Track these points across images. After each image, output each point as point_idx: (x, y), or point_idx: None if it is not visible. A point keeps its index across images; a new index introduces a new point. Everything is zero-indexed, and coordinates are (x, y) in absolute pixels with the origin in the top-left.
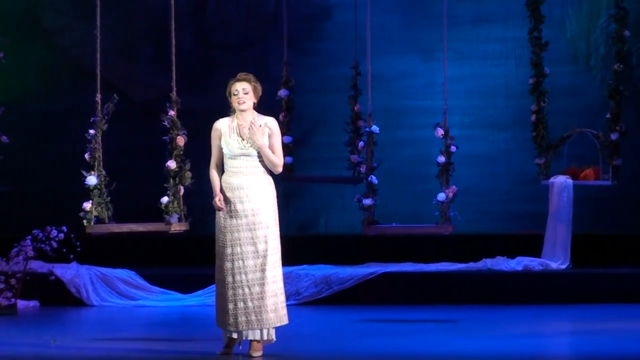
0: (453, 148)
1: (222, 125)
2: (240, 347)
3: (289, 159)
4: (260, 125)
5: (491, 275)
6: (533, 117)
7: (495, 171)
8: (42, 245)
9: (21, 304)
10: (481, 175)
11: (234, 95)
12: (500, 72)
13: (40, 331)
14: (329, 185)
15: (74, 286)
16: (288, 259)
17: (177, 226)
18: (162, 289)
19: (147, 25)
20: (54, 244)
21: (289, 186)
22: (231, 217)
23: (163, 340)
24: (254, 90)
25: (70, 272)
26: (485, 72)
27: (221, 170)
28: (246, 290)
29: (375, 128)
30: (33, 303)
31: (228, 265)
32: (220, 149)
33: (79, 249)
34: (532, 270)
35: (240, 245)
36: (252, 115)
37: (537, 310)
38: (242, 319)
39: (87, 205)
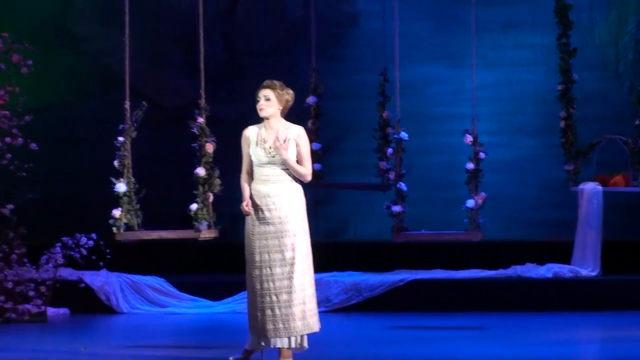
0: (482, 155)
1: (250, 133)
2: (262, 355)
3: (318, 166)
4: (285, 140)
5: (521, 282)
6: (562, 124)
7: (525, 178)
8: (72, 253)
9: (51, 311)
10: (510, 182)
11: (257, 101)
12: (529, 79)
13: (70, 339)
14: (358, 192)
15: (104, 293)
16: (318, 265)
17: (206, 233)
18: (191, 296)
19: (175, 32)
20: (84, 252)
21: (318, 193)
22: (259, 224)
23: (192, 348)
24: (278, 97)
25: (99, 280)
26: (513, 79)
27: (252, 177)
28: (273, 297)
29: (404, 135)
30: (63, 310)
31: (257, 272)
32: (250, 157)
33: (109, 256)
34: (562, 277)
35: (268, 253)
36: (279, 123)
37: (566, 317)
38: (270, 326)
39: (117, 213)
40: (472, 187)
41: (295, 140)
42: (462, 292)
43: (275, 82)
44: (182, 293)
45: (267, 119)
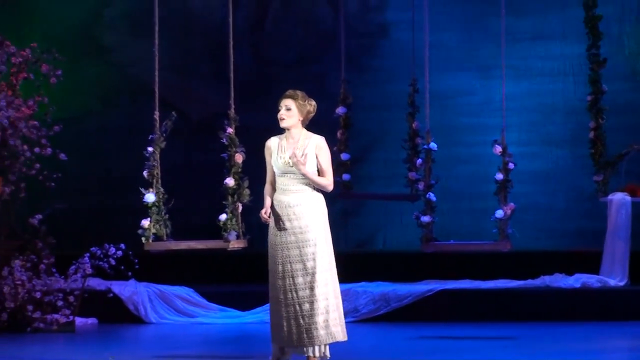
0: (511, 165)
1: (272, 143)
2: None
3: (347, 176)
4: (302, 154)
5: (549, 292)
6: (591, 134)
7: (553, 188)
8: (100, 263)
9: (79, 321)
10: (539, 192)
11: (278, 110)
12: (558, 89)
13: (98, 348)
14: (387, 203)
15: (132, 303)
16: (346, 275)
17: (235, 243)
18: (220, 306)
19: (204, 42)
20: (112, 262)
21: (347, 203)
22: (281, 234)
23: (221, 358)
24: (299, 107)
25: (128, 290)
26: (543, 89)
27: (275, 187)
28: (297, 307)
29: (433, 145)
30: (91, 320)
31: (280, 282)
32: (272, 167)
33: (137, 267)
34: (590, 287)
35: (290, 263)
36: (299, 133)
37: (595, 327)
38: (294, 337)
39: (146, 223)
40: (501, 198)
41: (315, 151)
42: (491, 302)
43: (298, 92)
44: (210, 303)
45: (287, 129)
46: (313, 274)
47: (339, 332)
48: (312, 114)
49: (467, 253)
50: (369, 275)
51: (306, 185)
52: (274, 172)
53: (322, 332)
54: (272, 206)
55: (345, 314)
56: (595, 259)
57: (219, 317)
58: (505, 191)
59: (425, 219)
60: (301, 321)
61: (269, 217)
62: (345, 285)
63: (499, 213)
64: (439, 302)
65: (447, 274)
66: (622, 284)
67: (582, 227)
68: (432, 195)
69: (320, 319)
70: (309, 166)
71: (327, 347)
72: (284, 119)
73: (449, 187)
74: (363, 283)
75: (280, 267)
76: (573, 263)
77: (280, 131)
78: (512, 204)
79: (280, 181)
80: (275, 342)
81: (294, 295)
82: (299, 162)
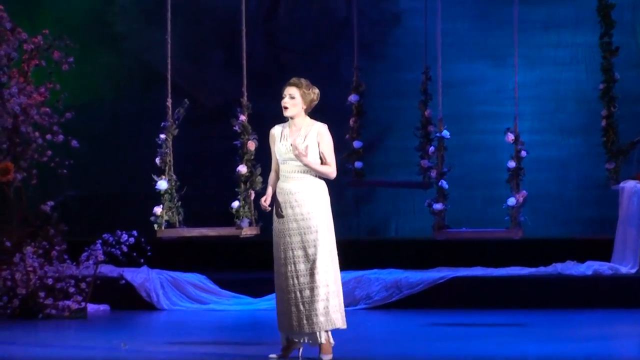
0: (523, 153)
1: (275, 131)
2: (301, 353)
3: (360, 164)
4: (304, 143)
5: (561, 279)
6: (603, 123)
7: (565, 176)
8: (113, 250)
9: (91, 307)
10: (551, 180)
11: (282, 98)
12: (571, 78)
13: (110, 335)
14: (399, 190)
15: (145, 290)
16: (359, 263)
17: (247, 230)
18: (232, 293)
19: (217, 30)
20: (124, 248)
21: (360, 191)
22: (283, 221)
23: (233, 345)
24: (303, 96)
25: (140, 276)
26: (555, 78)
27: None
28: (298, 294)
29: (445, 133)
30: (103, 307)
31: (282, 269)
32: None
33: (149, 253)
34: (602, 275)
35: (292, 250)
36: (302, 121)
37: (606, 314)
38: (295, 322)
39: (158, 210)
40: (513, 185)
41: (317, 139)
42: (503, 290)
43: (302, 80)
44: (222, 290)
45: (291, 118)
46: (314, 261)
47: (339, 319)
48: (316, 102)
49: (479, 240)
50: (381, 262)
51: (308, 172)
52: (277, 160)
53: (322, 318)
54: (275, 194)
55: (358, 301)
56: (606, 246)
57: (231, 304)
58: (518, 179)
59: (438, 206)
60: (301, 307)
61: (269, 205)
62: (358, 272)
63: (511, 201)
64: (451, 290)
65: (459, 262)
66: (633, 271)
67: (593, 215)
68: (444, 183)
69: (320, 306)
70: (311, 154)
71: (330, 333)
72: (287, 107)
73: (461, 174)
74: (375, 270)
75: (282, 254)
76: (585, 250)
77: (285, 119)
78: (524, 191)
79: (282, 168)
80: (280, 330)
81: (295, 281)
82: (300, 153)
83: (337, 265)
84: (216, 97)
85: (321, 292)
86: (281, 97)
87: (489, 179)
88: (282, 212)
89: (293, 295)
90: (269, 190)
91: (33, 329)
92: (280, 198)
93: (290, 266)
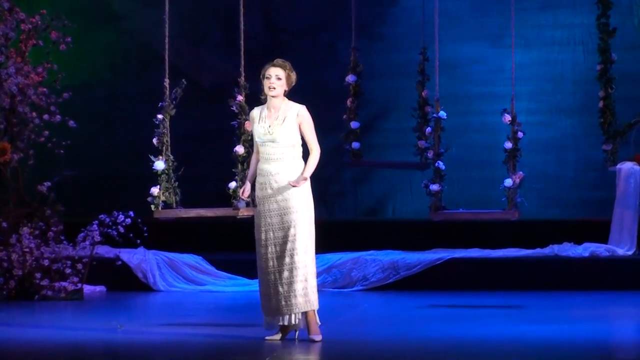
0: (520, 134)
1: (254, 113)
2: (297, 335)
3: (357, 145)
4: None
5: (558, 261)
6: (600, 104)
7: (562, 157)
8: (109, 230)
9: (87, 289)
10: (548, 162)
11: (267, 79)
12: (568, 59)
13: (106, 316)
14: (396, 171)
15: (141, 271)
16: (356, 244)
17: (244, 211)
18: (229, 274)
19: (215, 10)
20: (121, 229)
21: (357, 171)
22: (264, 202)
23: (229, 326)
24: (287, 78)
25: (137, 257)
26: (552, 59)
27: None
28: (277, 275)
29: (442, 114)
30: (99, 288)
31: (262, 250)
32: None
33: (146, 234)
34: (599, 256)
35: (273, 231)
36: (281, 102)
37: (603, 295)
38: (274, 304)
39: (155, 190)
40: (510, 167)
41: (298, 121)
42: (500, 271)
43: (286, 62)
44: (219, 271)
45: (274, 97)
46: (293, 241)
47: (316, 300)
48: (294, 85)
49: (476, 222)
50: (378, 243)
51: (288, 153)
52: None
53: (300, 299)
54: (255, 177)
55: (355, 283)
56: (603, 228)
57: (228, 285)
58: (514, 160)
59: (435, 187)
60: (280, 289)
61: (248, 198)
62: (354, 253)
63: (508, 182)
64: (448, 271)
65: (456, 243)
66: (630, 252)
67: (590, 196)
68: (441, 164)
69: (299, 287)
70: (289, 132)
71: (316, 313)
72: (274, 88)
73: (458, 155)
74: (372, 251)
75: (263, 235)
76: (582, 232)
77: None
78: (521, 172)
79: (262, 150)
80: (264, 313)
81: (275, 262)
82: (298, 183)
83: (314, 246)
84: (213, 77)
85: (300, 273)
86: (260, 78)
87: (486, 160)
88: (266, 192)
89: (272, 277)
90: (248, 185)
91: (29, 310)
92: (260, 179)
93: (271, 247)
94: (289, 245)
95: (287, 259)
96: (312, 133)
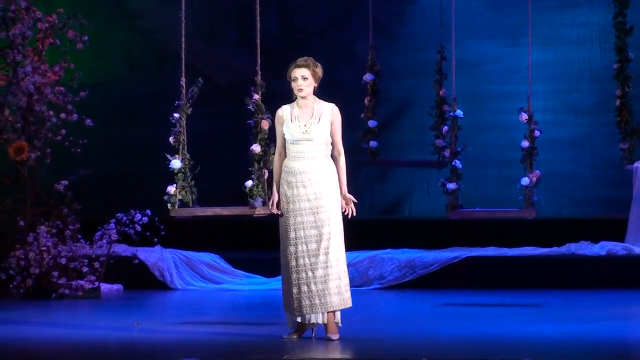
0: (537, 133)
1: (284, 112)
2: (314, 333)
3: (374, 143)
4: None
5: (574, 259)
6: (617, 102)
7: (579, 156)
8: (126, 229)
9: (105, 287)
10: (565, 160)
11: (293, 81)
12: (585, 57)
13: (123, 315)
14: (413, 169)
15: (158, 270)
16: (372, 242)
17: (261, 210)
18: (246, 273)
19: (231, 8)
20: (138, 228)
21: (374, 170)
22: (294, 201)
23: (246, 324)
24: (314, 75)
25: (154, 256)
26: (569, 57)
27: (284, 156)
28: (309, 273)
29: (459, 112)
30: (116, 286)
31: (292, 249)
32: (283, 135)
33: (163, 233)
34: (616, 255)
35: (304, 229)
36: (313, 101)
37: (620, 294)
38: (306, 302)
39: (172, 189)
40: (526, 165)
41: (331, 118)
42: (516, 270)
43: (309, 59)
44: (236, 269)
45: (304, 98)
46: (328, 240)
47: (349, 298)
48: (321, 77)
49: (493, 220)
50: (395, 241)
51: (320, 152)
52: (283, 142)
53: (335, 297)
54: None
55: (371, 281)
56: (620, 226)
57: (245, 284)
58: (531, 159)
59: (451, 186)
60: (313, 287)
61: (278, 210)
62: (371, 252)
63: (525, 180)
64: (464, 270)
65: (472, 241)
66: None
67: (607, 195)
68: (458, 163)
69: (333, 285)
70: (325, 130)
71: (339, 314)
72: (302, 89)
73: (475, 154)
74: (389, 250)
75: (292, 234)
76: (598, 231)
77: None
78: (537, 171)
79: (294, 148)
80: (287, 311)
81: (307, 261)
82: (348, 208)
83: (344, 244)
84: (230, 75)
85: (334, 271)
86: (288, 80)
87: (503, 158)
88: (297, 191)
89: (304, 275)
90: (275, 196)
91: (46, 308)
92: (289, 178)
93: (302, 246)
94: (323, 244)
95: (322, 257)
96: (340, 134)
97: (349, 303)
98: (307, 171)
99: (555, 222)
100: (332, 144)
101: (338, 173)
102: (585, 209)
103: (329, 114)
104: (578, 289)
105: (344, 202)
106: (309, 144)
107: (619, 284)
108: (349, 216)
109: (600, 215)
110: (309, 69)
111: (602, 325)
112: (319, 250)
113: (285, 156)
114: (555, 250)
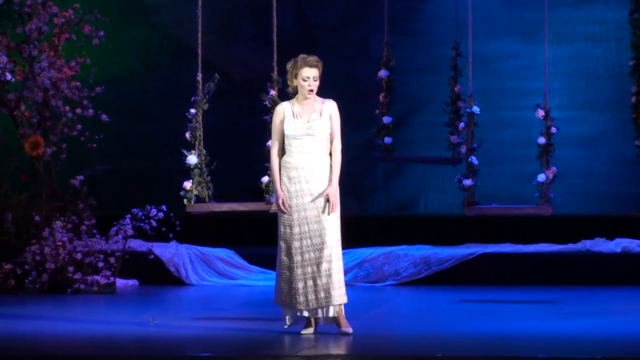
0: (553, 129)
1: (284, 108)
2: (316, 329)
3: (389, 140)
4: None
5: (590, 256)
6: (633, 99)
7: (595, 153)
8: (142, 224)
9: (120, 282)
10: (581, 157)
11: (304, 81)
12: (601, 54)
13: (139, 310)
14: (428, 166)
15: (173, 265)
16: (387, 238)
17: (276, 206)
18: (261, 269)
19: (247, 4)
20: (154, 223)
21: (389, 166)
22: (297, 196)
23: (261, 320)
24: (320, 75)
25: (169, 251)
26: (585, 54)
27: (282, 153)
28: (314, 268)
29: (475, 109)
30: (132, 282)
31: (296, 244)
32: (282, 132)
33: (178, 228)
34: (631, 252)
35: (308, 224)
36: (313, 98)
37: (635, 291)
38: (312, 297)
39: (188, 185)
40: (543, 162)
41: (330, 115)
42: (532, 266)
43: (319, 59)
44: (251, 265)
45: (307, 96)
46: (331, 234)
47: (345, 294)
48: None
49: (509, 217)
50: (410, 238)
51: (322, 147)
52: (282, 139)
53: (337, 292)
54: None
55: (386, 277)
56: (636, 223)
57: (260, 280)
58: (547, 155)
59: (467, 182)
60: (319, 281)
61: (287, 207)
62: (386, 248)
63: (541, 177)
64: (480, 266)
65: (488, 238)
66: None
67: (623, 192)
68: (474, 159)
69: (336, 279)
70: (327, 126)
71: (342, 307)
72: (313, 89)
73: (491, 150)
74: (404, 246)
75: (297, 229)
76: (614, 227)
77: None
78: (554, 168)
79: (295, 144)
80: (280, 305)
81: (312, 255)
82: (332, 210)
83: None
84: (246, 71)
85: (336, 265)
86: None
87: (519, 155)
88: (300, 186)
89: (309, 269)
90: (279, 184)
91: (62, 303)
92: (291, 173)
93: (306, 240)
94: (327, 238)
95: (326, 251)
96: (339, 129)
97: (345, 299)
98: (309, 166)
99: (571, 219)
100: (332, 138)
101: (332, 166)
102: (601, 206)
103: (329, 110)
104: (593, 286)
105: (326, 196)
106: (311, 139)
107: (635, 280)
108: (328, 214)
109: (616, 212)
110: (319, 69)
111: (618, 322)
112: (322, 244)
113: (284, 153)
114: (570, 247)
